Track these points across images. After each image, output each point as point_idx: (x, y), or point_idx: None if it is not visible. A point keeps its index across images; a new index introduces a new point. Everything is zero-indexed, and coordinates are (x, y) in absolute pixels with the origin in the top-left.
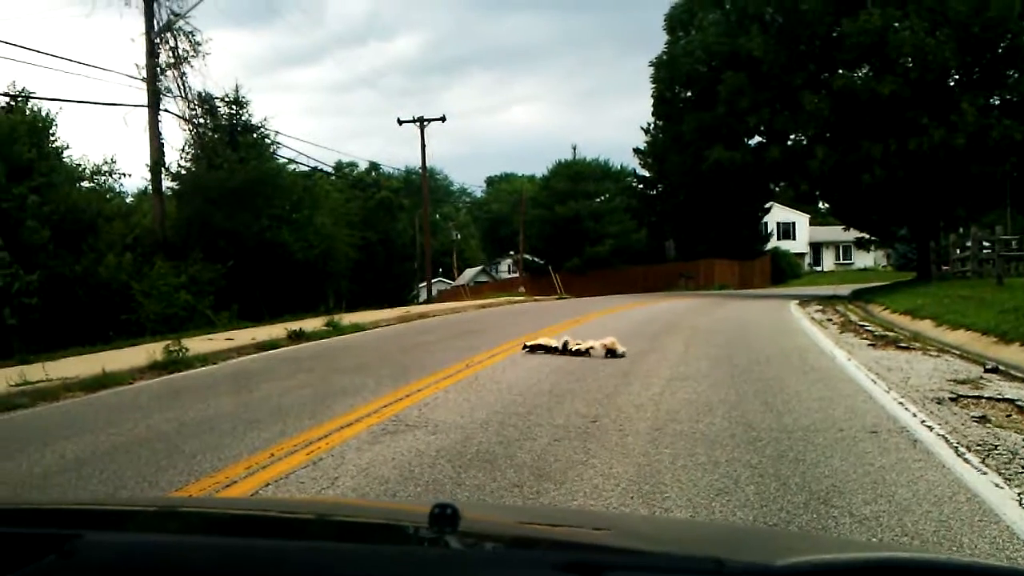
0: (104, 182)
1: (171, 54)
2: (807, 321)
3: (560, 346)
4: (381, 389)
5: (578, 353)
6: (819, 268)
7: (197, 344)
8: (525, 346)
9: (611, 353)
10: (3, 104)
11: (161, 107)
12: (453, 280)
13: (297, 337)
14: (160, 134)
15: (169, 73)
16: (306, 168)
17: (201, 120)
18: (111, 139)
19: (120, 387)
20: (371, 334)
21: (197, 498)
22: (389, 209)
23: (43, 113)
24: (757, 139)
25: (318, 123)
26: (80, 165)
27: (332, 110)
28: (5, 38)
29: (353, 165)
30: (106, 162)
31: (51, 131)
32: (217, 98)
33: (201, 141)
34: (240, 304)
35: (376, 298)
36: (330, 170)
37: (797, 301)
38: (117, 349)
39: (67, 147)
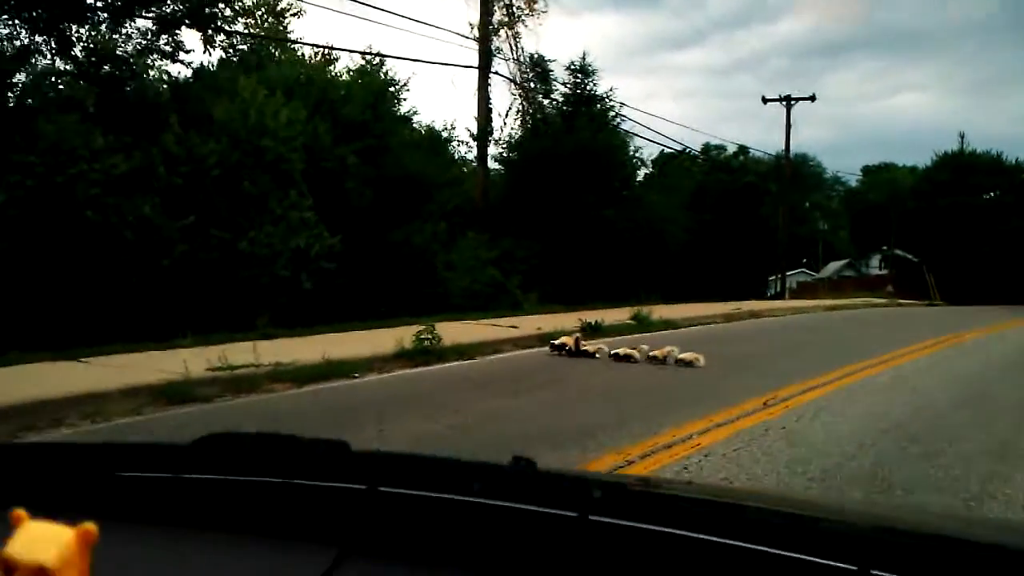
0: (441, 148)
1: (505, 11)
2: None
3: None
4: (630, 426)
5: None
6: None
7: (472, 330)
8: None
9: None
10: (351, 66)
11: (492, 70)
12: (817, 272)
13: (591, 331)
14: (488, 98)
15: (502, 32)
16: (670, 150)
17: (531, 84)
18: (439, 103)
19: (337, 381)
20: (679, 334)
21: None
22: (755, 194)
23: (384, 76)
24: None
25: (694, 105)
26: (427, 130)
27: (709, 93)
28: None
29: (721, 148)
30: (445, 128)
31: (394, 95)
32: (563, 65)
33: (530, 107)
34: (552, 285)
35: (724, 289)
36: (696, 152)
37: None
38: (385, 328)
39: (415, 112)
